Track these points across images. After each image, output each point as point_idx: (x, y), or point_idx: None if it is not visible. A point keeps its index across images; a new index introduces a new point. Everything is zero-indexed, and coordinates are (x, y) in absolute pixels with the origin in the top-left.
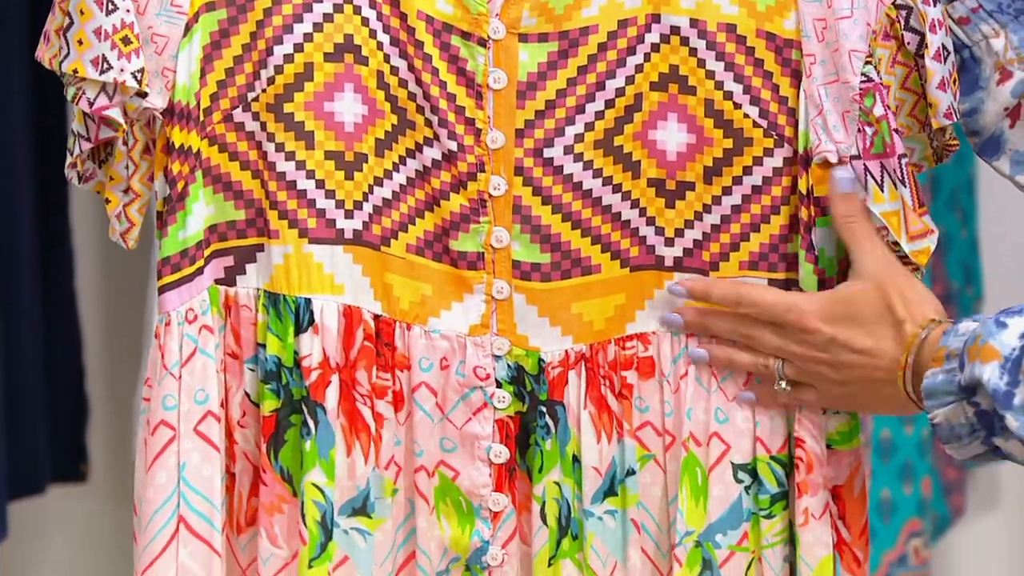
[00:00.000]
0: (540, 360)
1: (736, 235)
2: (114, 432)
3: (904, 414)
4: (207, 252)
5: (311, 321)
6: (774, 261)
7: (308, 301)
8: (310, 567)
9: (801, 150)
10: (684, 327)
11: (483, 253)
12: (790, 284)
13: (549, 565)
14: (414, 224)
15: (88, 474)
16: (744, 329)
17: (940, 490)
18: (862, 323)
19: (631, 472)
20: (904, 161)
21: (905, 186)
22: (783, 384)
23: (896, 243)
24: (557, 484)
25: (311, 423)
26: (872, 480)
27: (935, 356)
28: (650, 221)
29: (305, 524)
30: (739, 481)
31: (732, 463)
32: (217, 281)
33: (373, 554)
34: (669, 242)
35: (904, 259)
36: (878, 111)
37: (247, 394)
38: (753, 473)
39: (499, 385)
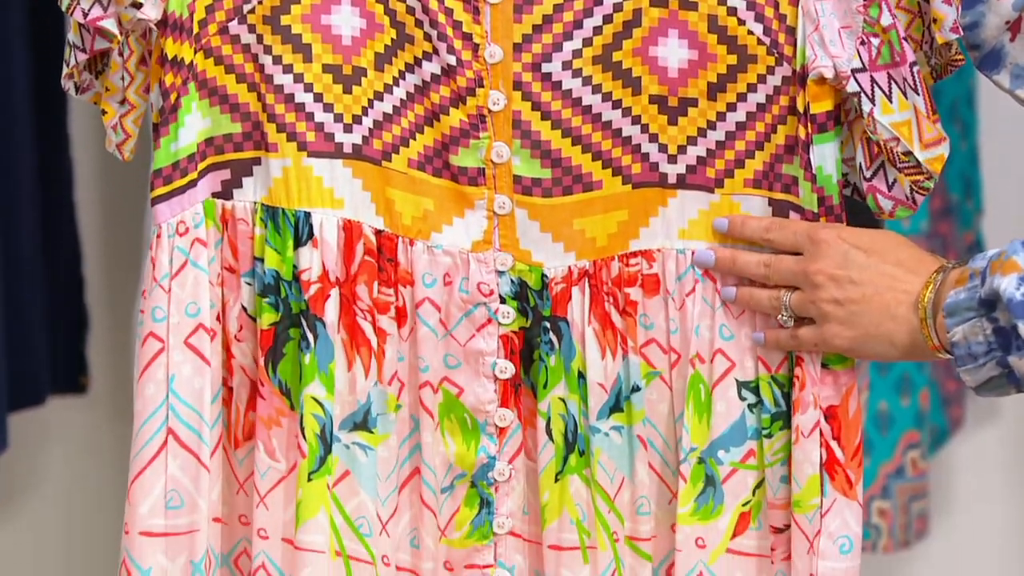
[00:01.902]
0: (543, 276)
1: (740, 152)
2: (114, 344)
3: (901, 356)
4: (203, 165)
5: (310, 235)
6: (772, 180)
7: (307, 215)
8: (309, 480)
9: (798, 67)
10: (716, 263)
11: (484, 168)
12: (788, 206)
13: (556, 480)
14: (415, 139)
15: (88, 386)
16: (766, 259)
17: (938, 402)
18: (884, 246)
19: (636, 388)
20: (916, 69)
21: (918, 94)
22: (785, 316)
23: (908, 153)
24: (562, 400)
25: (310, 337)
26: (870, 392)
27: (959, 278)
28: (653, 138)
29: (304, 437)
30: (743, 399)
31: (736, 380)
32: (214, 194)
33: (376, 469)
34: (672, 159)
35: (917, 168)
36: (885, 20)
37: (244, 308)
38: (757, 391)
39: (503, 301)
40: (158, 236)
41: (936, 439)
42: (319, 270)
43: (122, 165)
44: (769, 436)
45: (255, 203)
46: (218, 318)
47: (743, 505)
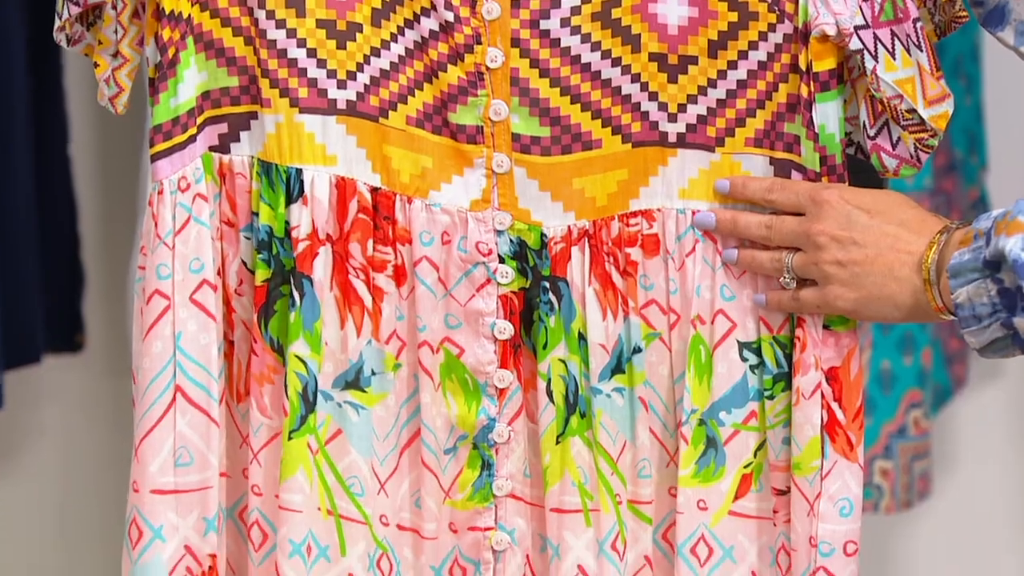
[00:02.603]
0: (542, 235)
1: (741, 111)
2: (110, 301)
3: (904, 318)
4: (200, 119)
5: (301, 191)
6: (774, 139)
7: (299, 171)
8: (290, 439)
9: (800, 25)
10: (716, 225)
11: (482, 126)
12: (790, 165)
13: (557, 443)
14: (413, 96)
15: (84, 344)
16: (768, 221)
17: (941, 360)
18: (887, 206)
19: (637, 350)
20: (919, 25)
21: (921, 50)
22: (787, 278)
23: (912, 110)
24: (563, 361)
25: (296, 295)
26: (872, 351)
27: (963, 239)
28: (652, 96)
29: (287, 396)
30: (744, 360)
31: (738, 341)
32: (211, 148)
33: (372, 428)
34: (672, 118)
35: (921, 126)
36: None
37: (244, 262)
38: (759, 352)
39: (501, 260)
40: (160, 192)
41: (939, 398)
42: (308, 227)
43: (118, 120)
44: (771, 397)
45: (252, 157)
46: (219, 272)
47: (745, 467)
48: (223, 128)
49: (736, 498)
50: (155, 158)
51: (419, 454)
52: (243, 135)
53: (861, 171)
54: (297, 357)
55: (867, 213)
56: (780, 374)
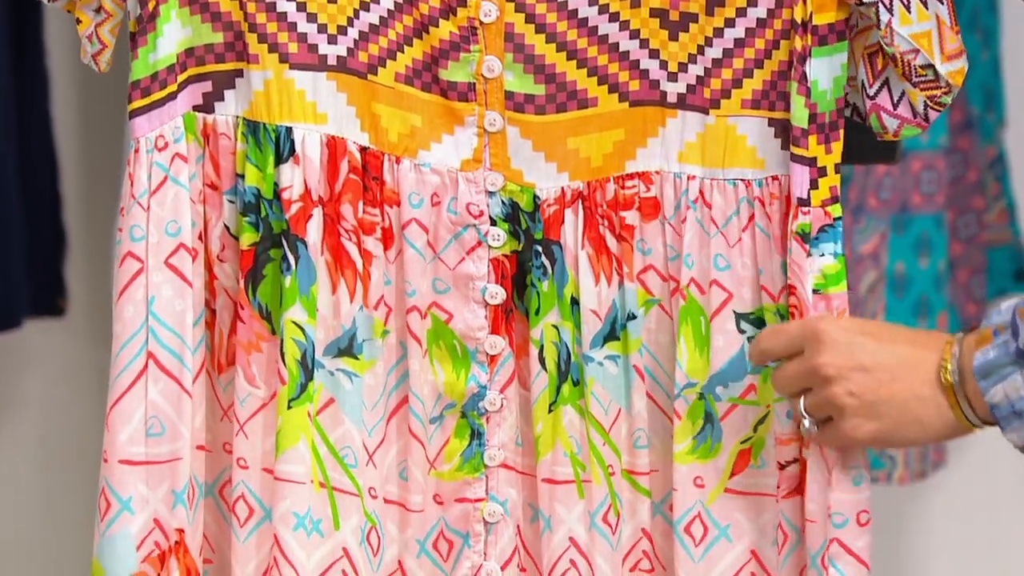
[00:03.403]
0: (535, 197)
1: (738, 71)
2: (93, 265)
3: (933, 439)
4: (183, 77)
5: (292, 151)
6: (773, 99)
7: (289, 130)
8: (289, 408)
9: None
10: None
11: (474, 83)
12: (788, 124)
13: (550, 411)
14: (403, 52)
15: (66, 308)
16: (775, 376)
17: (958, 326)
18: (886, 328)
19: (632, 317)
20: None
21: (941, 3)
22: (805, 424)
23: (928, 66)
24: (555, 327)
25: (291, 258)
26: (886, 317)
27: (980, 339)
28: (653, 54)
29: (284, 363)
30: (742, 331)
31: (735, 312)
32: (195, 108)
33: (362, 396)
34: (672, 77)
35: (935, 82)
36: None
37: (227, 227)
38: (759, 323)
39: (493, 223)
40: (136, 151)
41: None
42: (301, 188)
43: (101, 77)
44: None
45: (237, 117)
46: (200, 237)
47: (742, 443)
48: (207, 87)
49: (732, 475)
50: (133, 115)
51: (406, 423)
52: (228, 94)
53: (859, 132)
54: (294, 323)
55: (870, 337)
56: None
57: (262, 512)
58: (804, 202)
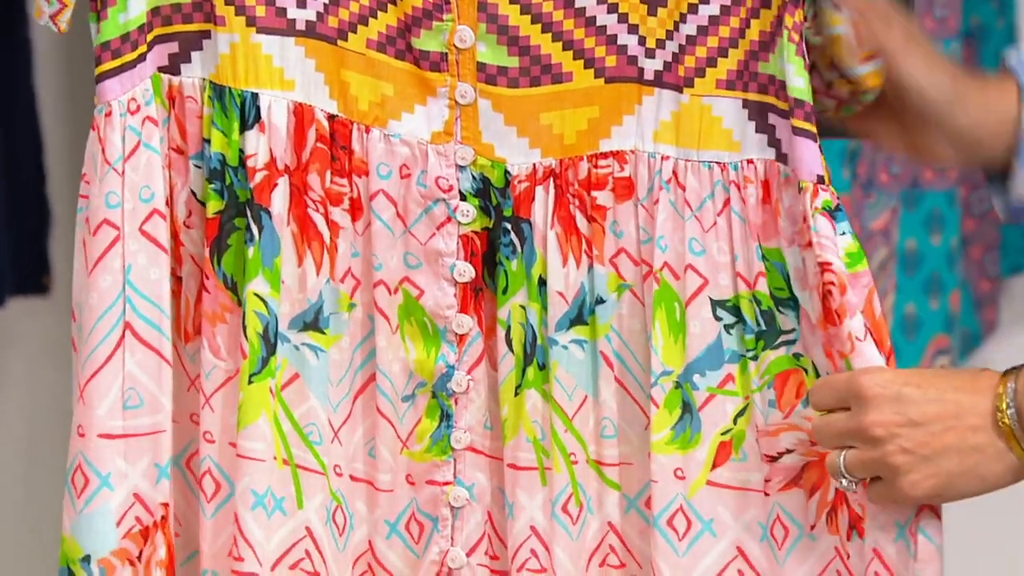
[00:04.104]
0: (506, 172)
1: (713, 50)
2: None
3: (993, 487)
4: (150, 37)
5: (257, 117)
6: (747, 80)
7: (255, 96)
8: (250, 383)
9: None
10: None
11: (446, 53)
12: (765, 107)
13: (516, 394)
14: (375, 17)
15: (51, 286)
16: (818, 426)
17: (970, 304)
18: (931, 376)
19: (600, 301)
20: None
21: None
22: (844, 481)
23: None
24: (523, 308)
25: (255, 228)
26: (896, 295)
27: None
28: (632, 29)
29: (246, 337)
30: (718, 319)
31: (711, 299)
32: (160, 69)
33: (328, 372)
34: (650, 53)
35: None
36: None
37: (193, 192)
38: (735, 311)
39: (463, 198)
40: (108, 115)
41: (967, 344)
42: (266, 156)
43: (87, 47)
44: (755, 358)
45: (204, 80)
46: (167, 203)
47: (722, 434)
48: (173, 47)
49: (714, 467)
50: (102, 78)
51: (374, 401)
52: (194, 55)
53: None
54: (256, 295)
55: (915, 388)
56: (760, 332)
57: (228, 488)
58: (822, 179)
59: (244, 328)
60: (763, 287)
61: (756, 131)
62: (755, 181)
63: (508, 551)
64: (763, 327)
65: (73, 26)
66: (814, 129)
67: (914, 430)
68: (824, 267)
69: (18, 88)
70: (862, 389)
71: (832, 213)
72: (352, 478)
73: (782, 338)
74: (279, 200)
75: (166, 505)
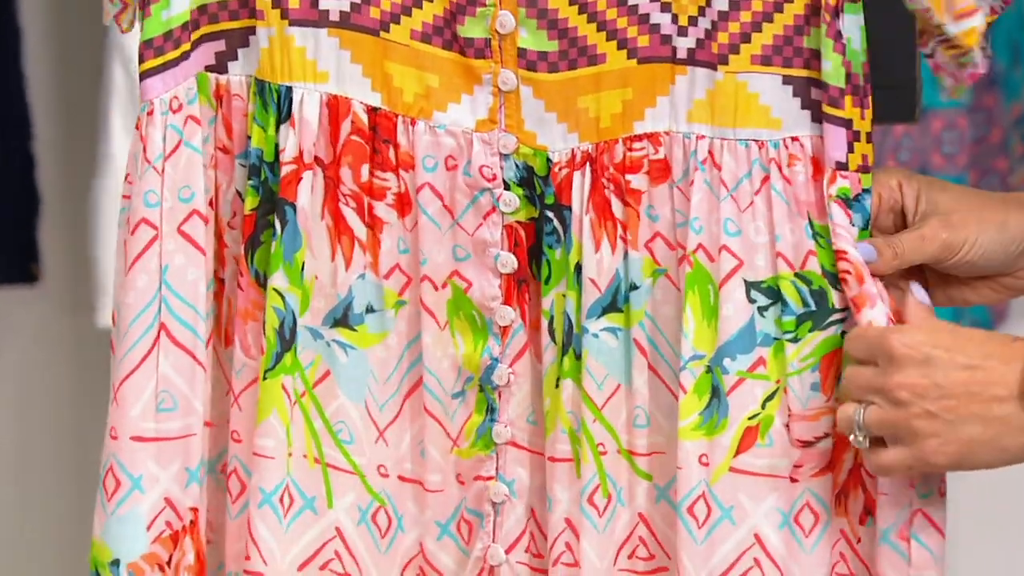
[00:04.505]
0: (548, 160)
1: (746, 24)
2: (68, 229)
3: (1012, 460)
4: (196, 35)
5: (290, 112)
6: (788, 55)
7: (289, 90)
8: (264, 379)
9: None
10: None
11: (490, 40)
12: (809, 82)
13: (556, 386)
14: (420, 8)
15: (39, 275)
16: (848, 375)
17: None
18: (962, 339)
19: (634, 287)
20: None
21: None
22: (859, 436)
23: (939, 25)
24: (564, 296)
25: (278, 223)
26: None
27: None
28: (665, 7)
29: (264, 332)
30: (752, 301)
31: (745, 280)
32: (207, 68)
33: (368, 370)
34: (683, 31)
35: (947, 41)
36: None
37: (238, 192)
38: (772, 293)
39: (507, 187)
40: (150, 113)
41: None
42: (294, 151)
43: (76, 34)
44: (795, 340)
45: (249, 76)
46: (211, 203)
47: (749, 419)
48: (220, 46)
49: (738, 452)
50: (144, 76)
51: (421, 400)
52: (240, 53)
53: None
54: (275, 290)
55: (946, 351)
56: (807, 313)
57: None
58: (842, 165)
59: (263, 324)
60: (814, 266)
61: (801, 107)
62: (803, 158)
63: (547, 546)
64: (812, 307)
65: (65, 13)
66: (839, 113)
67: (940, 395)
68: (839, 255)
69: (8, 75)
70: (891, 348)
71: (848, 202)
72: (401, 478)
73: (833, 317)
74: (304, 194)
75: (195, 510)
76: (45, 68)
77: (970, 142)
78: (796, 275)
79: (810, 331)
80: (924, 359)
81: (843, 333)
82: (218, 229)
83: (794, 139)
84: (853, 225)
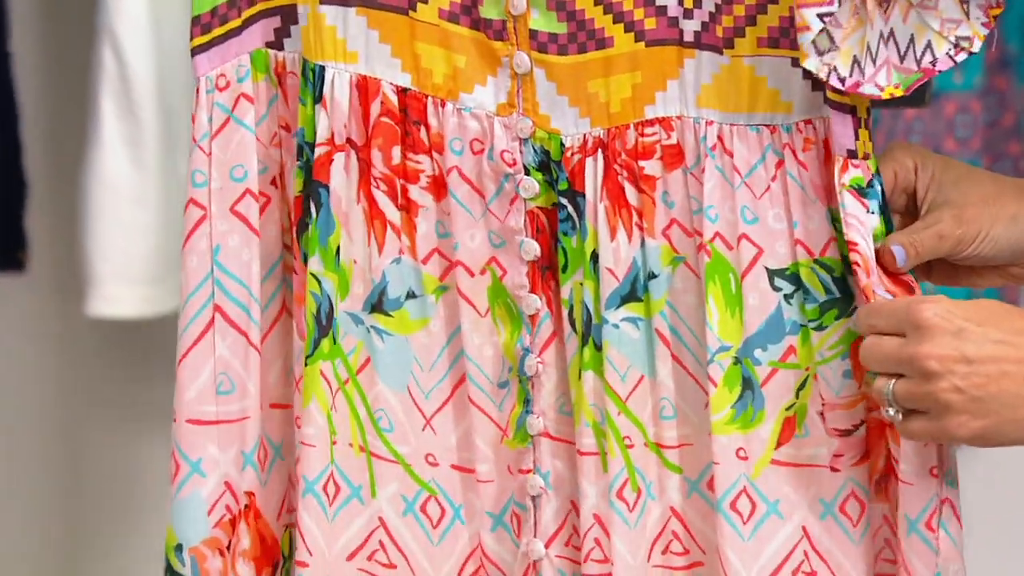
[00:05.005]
0: (562, 144)
1: (751, 7)
2: (57, 215)
3: None
4: (249, 12)
5: (322, 92)
6: (795, 38)
7: (322, 69)
8: (305, 365)
9: None
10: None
11: (506, 21)
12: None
13: (579, 377)
14: None
15: (27, 262)
16: (868, 347)
17: None
18: (993, 313)
19: (653, 276)
20: None
21: None
22: (891, 411)
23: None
24: (581, 285)
25: (313, 207)
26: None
27: None
28: None
29: (304, 318)
30: (777, 289)
31: (767, 268)
32: (268, 45)
33: (411, 356)
34: (688, 13)
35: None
36: None
37: None
38: (795, 280)
39: (527, 172)
40: (197, 91)
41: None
42: (326, 132)
43: (65, 13)
44: (820, 328)
45: (299, 53)
46: (274, 182)
47: (787, 410)
48: (276, 22)
49: (778, 445)
50: (194, 53)
51: (466, 389)
52: (293, 30)
53: None
54: (313, 275)
55: (978, 324)
56: (831, 300)
57: None
58: (853, 153)
59: (303, 310)
60: (834, 253)
61: (812, 90)
62: (816, 141)
63: (581, 541)
64: (836, 295)
65: None
66: (847, 100)
67: (970, 369)
68: (850, 246)
69: None
70: (921, 317)
71: (862, 191)
72: (453, 467)
73: (856, 303)
74: (338, 176)
75: (251, 494)
76: (33, 50)
77: (983, 126)
78: (815, 262)
79: (836, 319)
80: (956, 331)
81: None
82: (288, 209)
83: (807, 122)
84: (870, 212)
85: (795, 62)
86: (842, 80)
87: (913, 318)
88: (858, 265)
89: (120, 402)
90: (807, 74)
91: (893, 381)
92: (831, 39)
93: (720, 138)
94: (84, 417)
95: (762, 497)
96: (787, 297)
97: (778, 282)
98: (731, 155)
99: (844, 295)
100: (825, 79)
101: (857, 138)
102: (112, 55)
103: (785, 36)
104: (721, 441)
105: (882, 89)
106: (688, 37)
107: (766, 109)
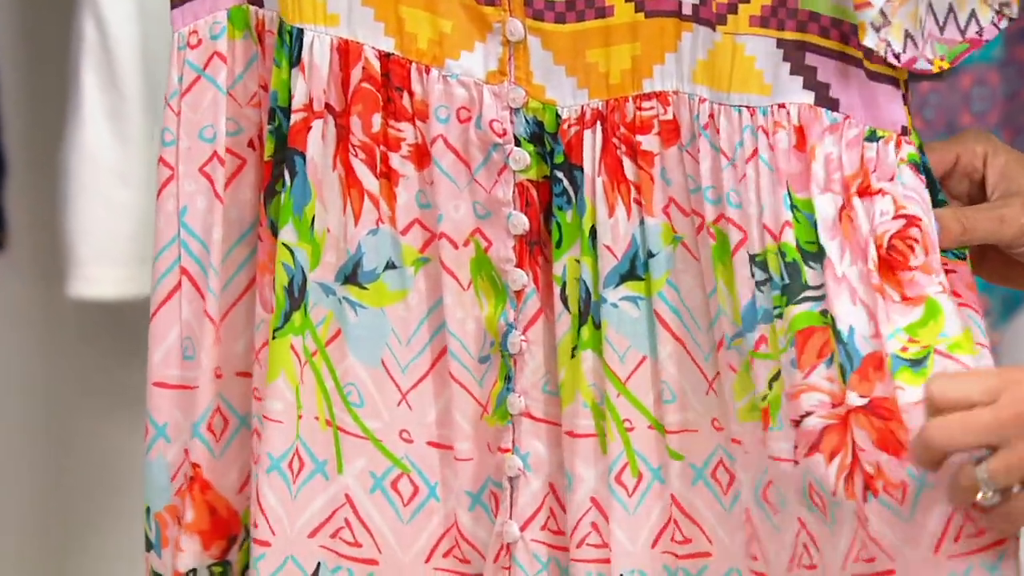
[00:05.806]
0: (557, 115)
1: None
2: (37, 193)
3: None
4: None
5: (299, 55)
6: (783, 17)
7: (300, 32)
8: (273, 338)
9: None
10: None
11: None
12: (804, 46)
13: (572, 356)
14: None
15: (7, 242)
16: (954, 422)
17: None
18: None
19: (651, 254)
20: None
21: None
22: (988, 494)
23: None
24: (577, 262)
25: (287, 174)
26: None
27: None
28: None
29: (273, 290)
30: (752, 276)
31: (748, 254)
32: (250, 1)
33: (388, 329)
34: None
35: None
36: None
37: None
38: (764, 266)
39: (518, 143)
40: (172, 48)
41: (1008, 306)
42: (304, 97)
43: None
44: (780, 316)
45: (276, 13)
46: (251, 144)
47: (762, 400)
48: None
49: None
50: (172, 7)
51: (447, 363)
52: None
53: None
54: (284, 245)
55: None
56: (784, 287)
57: None
58: (906, 130)
59: (273, 281)
60: (789, 238)
61: (790, 73)
62: (787, 127)
63: (568, 526)
64: (786, 280)
65: None
66: (894, 73)
67: None
68: (910, 220)
69: None
70: (1014, 378)
71: (918, 166)
72: (430, 444)
73: (806, 293)
74: (315, 144)
75: (196, 465)
76: (9, 24)
77: (1002, 98)
78: (778, 247)
79: (787, 304)
80: None
81: (823, 311)
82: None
83: (781, 106)
84: (927, 188)
85: (780, 42)
86: (897, 56)
87: (1008, 377)
88: (916, 242)
89: (104, 387)
90: (788, 56)
91: (983, 460)
92: (883, 14)
93: (711, 116)
94: (68, 401)
95: (779, 489)
96: (759, 284)
97: (753, 268)
98: (719, 135)
99: (793, 282)
100: (883, 56)
101: (909, 114)
102: (93, 24)
103: (774, 15)
104: (748, 427)
105: (931, 63)
106: (686, 10)
107: (749, 90)
